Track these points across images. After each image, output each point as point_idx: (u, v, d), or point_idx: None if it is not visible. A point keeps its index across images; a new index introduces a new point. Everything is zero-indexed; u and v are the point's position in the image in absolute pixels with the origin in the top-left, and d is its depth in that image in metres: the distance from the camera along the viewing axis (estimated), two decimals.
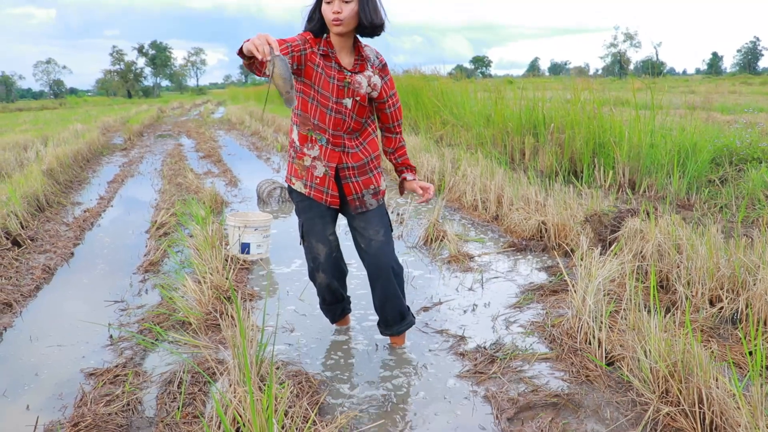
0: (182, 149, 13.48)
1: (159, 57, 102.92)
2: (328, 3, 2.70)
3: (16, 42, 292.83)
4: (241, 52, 2.49)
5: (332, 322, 3.51)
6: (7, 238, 5.36)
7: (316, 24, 2.80)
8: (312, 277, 3.23)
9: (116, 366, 3.10)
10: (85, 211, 6.91)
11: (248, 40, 2.42)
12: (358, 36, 2.87)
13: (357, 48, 2.88)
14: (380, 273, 3.07)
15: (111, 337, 3.48)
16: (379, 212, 3.08)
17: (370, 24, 2.75)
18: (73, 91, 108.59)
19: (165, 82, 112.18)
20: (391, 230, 3.14)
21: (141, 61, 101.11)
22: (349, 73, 2.83)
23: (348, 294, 3.45)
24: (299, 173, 3.01)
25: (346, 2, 2.68)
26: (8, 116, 34.52)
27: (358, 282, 4.18)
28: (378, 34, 2.85)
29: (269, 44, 2.35)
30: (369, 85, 2.88)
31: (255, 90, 42.82)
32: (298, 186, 3.02)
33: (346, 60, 2.86)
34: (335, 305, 3.38)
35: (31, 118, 27.32)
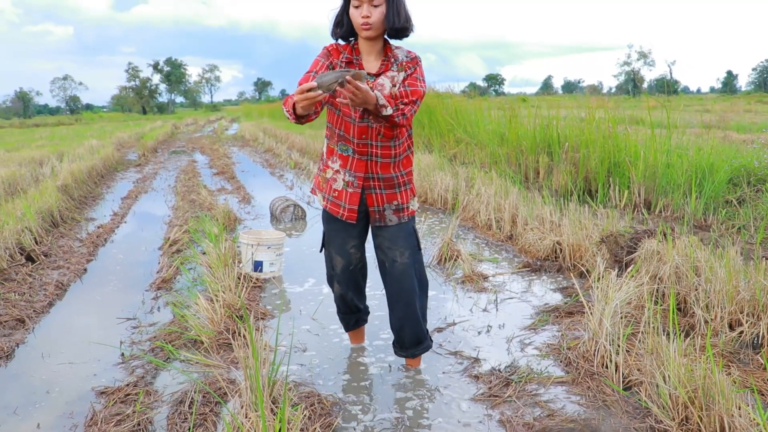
0: (196, 165, 13.53)
1: (174, 73, 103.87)
2: (357, 7, 2.69)
3: (35, 59, 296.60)
4: (296, 116, 2.58)
5: (345, 330, 3.48)
6: (21, 254, 5.38)
7: (345, 29, 2.79)
8: (329, 283, 3.26)
9: (127, 385, 3.08)
10: (98, 227, 6.93)
11: (289, 104, 2.57)
12: (387, 38, 2.85)
13: (386, 50, 2.85)
14: (401, 297, 3.02)
15: (122, 355, 3.46)
16: (406, 231, 3.00)
17: (396, 27, 2.73)
18: (88, 107, 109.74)
19: (179, 99, 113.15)
20: (420, 249, 3.07)
21: (156, 78, 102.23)
22: (373, 78, 2.79)
23: (366, 305, 3.41)
24: (321, 185, 3.02)
25: (375, 6, 2.67)
26: (25, 132, 34.91)
27: (375, 303, 4.15)
28: (406, 36, 2.83)
29: (310, 94, 2.36)
30: (393, 84, 2.79)
31: (269, 107, 43.08)
32: (318, 198, 3.04)
33: (372, 64, 2.82)
34: (349, 315, 3.36)
35: (48, 134, 27.61)
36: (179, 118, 52.21)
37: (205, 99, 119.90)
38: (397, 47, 2.88)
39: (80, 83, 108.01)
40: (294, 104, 2.52)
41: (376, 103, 2.58)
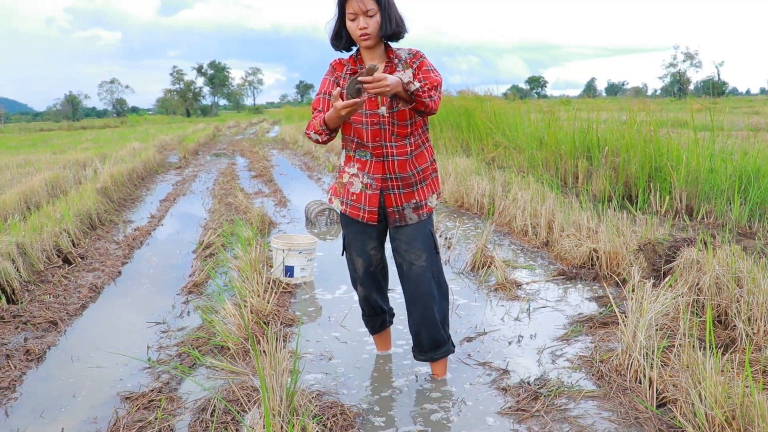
0: (235, 168, 13.64)
1: (217, 76, 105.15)
2: (353, 20, 2.74)
3: (84, 63, 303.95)
4: (329, 131, 2.75)
5: (371, 333, 3.46)
6: (59, 256, 5.45)
7: (345, 40, 2.86)
8: (353, 286, 3.28)
9: (152, 390, 3.07)
10: (135, 230, 7.00)
11: (314, 126, 2.77)
12: (388, 42, 2.89)
13: (388, 53, 2.89)
14: (418, 300, 3.00)
15: (149, 359, 3.47)
16: (423, 233, 2.98)
17: (392, 32, 2.79)
18: (134, 110, 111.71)
19: (222, 101, 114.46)
20: (437, 252, 3.05)
21: (200, 81, 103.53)
22: None
23: (389, 306, 3.38)
24: (338, 191, 3.05)
25: (371, 17, 2.72)
26: (72, 134, 35.69)
27: (401, 311, 4.09)
28: (401, 38, 2.88)
29: (343, 106, 2.51)
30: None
31: (310, 110, 43.25)
32: (336, 204, 3.07)
33: (381, 68, 2.85)
34: (374, 317, 3.34)
35: (93, 137, 28.17)
36: (222, 121, 52.85)
37: (248, 101, 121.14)
38: (398, 48, 2.92)
39: (127, 86, 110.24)
40: (324, 121, 2.71)
41: (401, 83, 2.61)
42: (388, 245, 3.13)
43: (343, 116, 2.59)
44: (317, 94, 2.91)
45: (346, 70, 2.89)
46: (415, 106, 2.73)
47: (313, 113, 2.87)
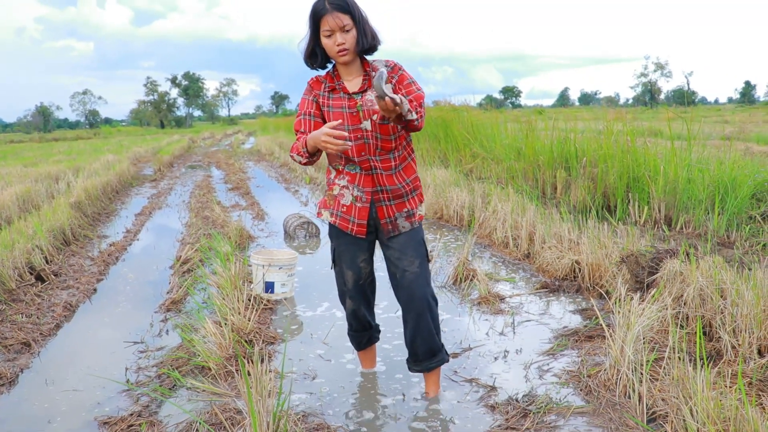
0: (211, 180, 13.51)
1: (192, 87, 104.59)
2: (329, 36, 2.72)
3: (56, 74, 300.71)
4: (309, 155, 2.76)
5: (357, 349, 3.40)
6: (31, 273, 5.31)
7: (321, 58, 2.84)
8: (341, 300, 3.21)
9: (131, 414, 2.98)
10: (110, 245, 6.87)
11: (296, 149, 2.77)
12: (363, 56, 2.88)
13: (364, 66, 2.88)
14: (414, 306, 2.96)
15: (128, 381, 3.37)
16: (415, 241, 2.97)
17: (369, 46, 2.79)
18: (107, 121, 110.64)
19: (197, 112, 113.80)
20: (429, 260, 3.03)
21: (174, 92, 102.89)
22: (360, 96, 2.82)
23: (376, 322, 3.32)
24: (327, 203, 3.02)
25: (347, 32, 2.71)
26: (44, 146, 35.19)
27: (385, 328, 4.03)
28: (375, 50, 2.87)
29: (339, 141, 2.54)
30: None
31: (285, 121, 43.12)
32: (325, 216, 3.04)
33: (354, 83, 2.86)
34: (362, 332, 3.28)
35: (66, 148, 27.80)
36: (196, 132, 52.49)
37: (223, 113, 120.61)
38: (374, 60, 2.91)
39: (100, 97, 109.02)
40: (305, 143, 2.72)
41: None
42: (377, 259, 3.08)
43: (323, 145, 2.58)
44: (297, 116, 2.91)
45: (324, 88, 2.87)
46: (403, 125, 2.71)
47: (296, 135, 2.86)
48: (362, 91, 2.82)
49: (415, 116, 2.65)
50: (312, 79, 2.93)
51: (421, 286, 2.95)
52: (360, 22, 2.73)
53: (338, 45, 2.71)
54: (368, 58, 2.90)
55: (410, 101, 2.71)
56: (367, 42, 2.76)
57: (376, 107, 2.76)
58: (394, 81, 2.83)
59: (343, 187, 2.94)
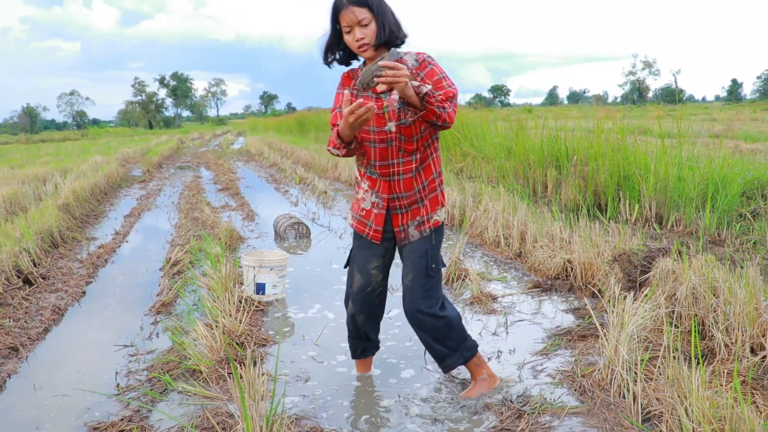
0: (200, 181, 13.43)
1: (180, 88, 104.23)
2: (348, 32, 2.68)
3: (42, 75, 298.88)
4: (345, 145, 2.69)
5: (352, 357, 3.36)
6: (18, 277, 5.25)
7: (343, 55, 2.81)
8: (345, 302, 3.20)
9: (122, 420, 2.94)
10: (99, 247, 6.81)
11: (332, 142, 2.70)
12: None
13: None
14: (408, 319, 2.97)
15: (118, 386, 3.33)
16: (415, 254, 2.92)
17: (388, 38, 2.70)
18: (95, 122, 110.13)
19: (186, 113, 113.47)
20: (433, 271, 2.92)
21: (162, 92, 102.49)
22: (387, 96, 2.74)
23: (377, 338, 3.29)
24: (353, 206, 3.05)
25: (365, 26, 2.65)
26: (31, 147, 34.94)
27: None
28: (402, 42, 2.78)
29: (360, 111, 2.45)
30: None
31: (274, 120, 43.11)
32: (349, 219, 3.07)
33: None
34: (358, 341, 3.25)
35: (53, 150, 27.61)
36: (185, 133, 52.24)
37: (212, 113, 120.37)
38: (405, 52, 2.79)
39: (87, 98, 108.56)
40: (338, 133, 2.64)
41: (412, 86, 2.52)
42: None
43: (352, 123, 2.50)
44: (332, 110, 2.86)
45: (354, 84, 2.83)
46: (425, 115, 2.58)
47: (332, 129, 2.77)
48: (390, 90, 2.70)
49: (426, 89, 2.50)
50: (344, 73, 2.89)
51: (409, 301, 2.93)
52: (379, 14, 2.65)
53: (357, 40, 2.66)
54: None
55: (436, 93, 2.57)
56: (384, 35, 2.67)
57: (400, 109, 2.70)
58: (419, 77, 2.71)
59: (365, 191, 2.94)
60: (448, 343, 2.99)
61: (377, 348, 3.35)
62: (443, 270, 3.01)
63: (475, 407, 2.96)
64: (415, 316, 2.92)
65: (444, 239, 6.63)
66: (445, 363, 3.05)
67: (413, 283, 2.91)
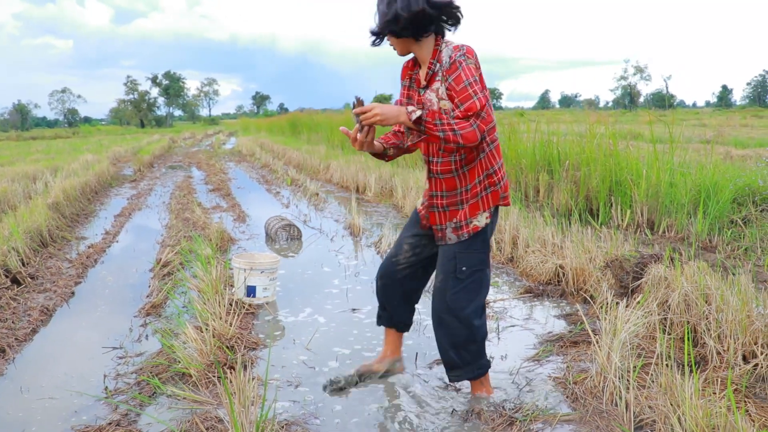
0: (192, 181, 13.38)
1: (172, 87, 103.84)
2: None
3: (34, 72, 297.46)
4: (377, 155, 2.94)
5: (377, 323, 3.36)
6: (6, 276, 5.19)
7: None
8: None
9: (110, 424, 2.90)
10: (89, 247, 6.75)
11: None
12: (440, 37, 2.69)
13: (434, 53, 2.68)
14: (432, 318, 2.98)
15: (106, 389, 3.29)
16: (447, 254, 2.87)
17: (403, 35, 2.62)
18: (87, 120, 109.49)
19: (178, 112, 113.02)
20: (463, 274, 2.83)
21: (154, 91, 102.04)
22: (424, 91, 2.73)
23: (398, 317, 3.27)
24: None
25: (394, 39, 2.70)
26: (21, 145, 34.70)
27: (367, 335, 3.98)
28: (424, 29, 2.60)
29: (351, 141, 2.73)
30: (439, 98, 2.65)
31: (266, 121, 43.02)
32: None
33: (423, 73, 2.74)
34: (382, 310, 3.29)
35: (44, 147, 27.42)
36: (177, 132, 52.06)
37: (204, 112, 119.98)
38: (446, 45, 2.65)
39: (79, 96, 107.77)
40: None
41: (406, 112, 2.53)
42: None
43: (360, 149, 2.74)
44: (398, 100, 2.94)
45: (406, 77, 2.88)
46: (428, 139, 2.59)
47: None
48: (427, 87, 2.69)
49: (419, 113, 2.48)
50: (404, 63, 2.89)
51: (437, 300, 2.91)
52: (393, 22, 2.58)
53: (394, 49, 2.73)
54: (448, 37, 2.69)
55: (435, 112, 2.53)
56: (398, 31, 2.58)
57: (434, 108, 2.66)
58: (447, 82, 2.58)
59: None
60: (463, 354, 2.92)
61: (395, 325, 3.31)
62: (483, 276, 2.89)
63: (466, 415, 2.94)
64: (438, 315, 2.91)
65: None
66: (454, 373, 3.00)
67: (443, 284, 2.89)
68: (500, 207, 2.96)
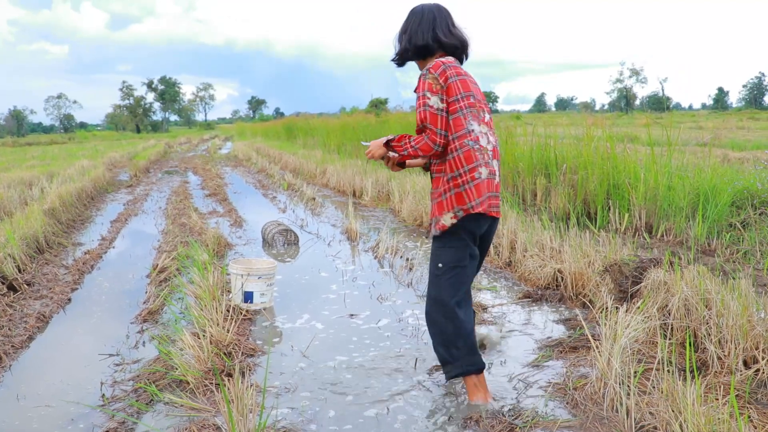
0: (188, 186, 13.34)
1: (168, 92, 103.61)
2: None
3: (30, 77, 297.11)
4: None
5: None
6: (3, 283, 5.16)
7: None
8: None
9: (107, 431, 2.88)
10: (85, 253, 6.72)
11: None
12: (437, 59, 3.02)
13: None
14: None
15: (103, 396, 3.26)
16: (431, 251, 3.10)
17: (408, 54, 3.13)
18: (82, 126, 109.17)
19: (174, 117, 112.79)
20: (439, 270, 3.02)
21: (150, 96, 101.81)
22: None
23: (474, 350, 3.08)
24: None
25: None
26: (17, 151, 34.62)
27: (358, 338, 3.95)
28: (415, 56, 3.13)
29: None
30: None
31: (262, 126, 43.00)
32: None
33: None
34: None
35: (39, 153, 27.37)
36: (173, 137, 51.97)
37: (200, 117, 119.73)
38: (431, 65, 2.99)
39: (74, 101, 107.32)
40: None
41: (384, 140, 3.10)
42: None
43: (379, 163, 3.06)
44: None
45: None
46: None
47: None
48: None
49: (390, 136, 3.06)
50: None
51: (427, 297, 3.12)
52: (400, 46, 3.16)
53: None
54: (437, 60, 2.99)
55: (401, 137, 3.03)
56: (402, 56, 3.17)
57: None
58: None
59: None
60: (453, 351, 3.01)
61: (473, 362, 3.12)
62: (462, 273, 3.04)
63: (464, 422, 2.92)
64: (428, 311, 3.10)
65: None
66: (446, 369, 3.08)
67: (429, 281, 3.11)
68: (482, 214, 2.95)
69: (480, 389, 3.06)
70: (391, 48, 3.20)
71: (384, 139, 3.08)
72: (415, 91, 3.00)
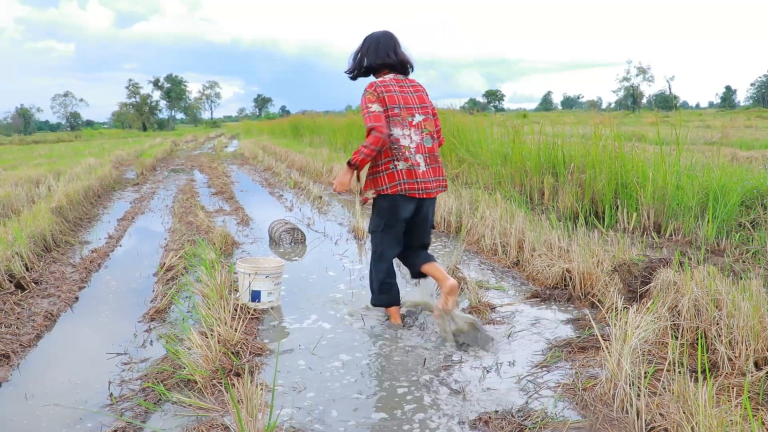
0: (194, 185, 13.35)
1: (174, 90, 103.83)
2: None
3: (36, 75, 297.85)
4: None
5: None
6: (11, 281, 5.17)
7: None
8: None
9: (115, 431, 2.87)
10: (92, 251, 6.73)
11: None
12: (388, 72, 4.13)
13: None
14: None
15: (111, 395, 3.26)
16: None
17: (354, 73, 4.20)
18: (89, 124, 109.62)
19: (180, 115, 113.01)
20: (369, 230, 4.26)
21: (156, 94, 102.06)
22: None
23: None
24: None
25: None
26: (24, 149, 34.75)
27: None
28: (359, 73, 4.17)
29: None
30: None
31: (268, 124, 42.99)
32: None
33: None
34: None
35: (46, 151, 27.45)
36: (179, 135, 52.06)
37: (206, 115, 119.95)
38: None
39: (81, 100, 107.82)
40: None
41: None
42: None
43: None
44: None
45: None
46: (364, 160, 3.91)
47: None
48: None
49: (349, 160, 3.89)
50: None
51: None
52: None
53: None
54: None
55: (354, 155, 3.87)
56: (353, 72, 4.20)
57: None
58: None
59: None
60: (372, 287, 4.27)
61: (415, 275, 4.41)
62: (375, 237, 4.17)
63: (473, 423, 2.90)
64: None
65: (441, 246, 6.61)
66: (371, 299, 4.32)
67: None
68: (403, 195, 3.93)
69: (394, 315, 4.26)
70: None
71: (344, 168, 3.91)
72: (360, 106, 3.91)
